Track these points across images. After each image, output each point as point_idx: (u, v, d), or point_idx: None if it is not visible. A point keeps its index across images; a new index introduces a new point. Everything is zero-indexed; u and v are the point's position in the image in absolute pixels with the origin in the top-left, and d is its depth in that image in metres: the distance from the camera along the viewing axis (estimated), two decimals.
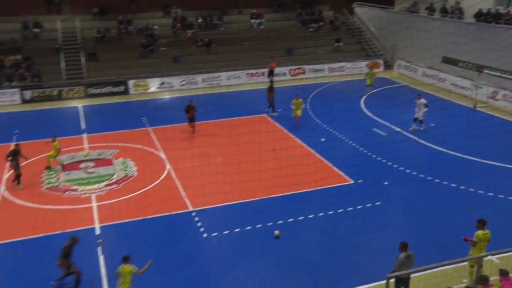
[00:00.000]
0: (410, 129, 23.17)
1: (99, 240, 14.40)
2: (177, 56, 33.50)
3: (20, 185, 17.76)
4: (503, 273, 10.81)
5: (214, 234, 14.79)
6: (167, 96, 30.40)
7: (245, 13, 39.02)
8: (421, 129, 23.15)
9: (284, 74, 34.06)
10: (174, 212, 16.03)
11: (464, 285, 11.79)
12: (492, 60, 27.33)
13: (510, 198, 16.90)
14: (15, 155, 17.80)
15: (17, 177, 17.81)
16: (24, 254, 13.73)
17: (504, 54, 26.42)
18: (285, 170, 17.66)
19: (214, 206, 16.40)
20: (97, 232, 14.92)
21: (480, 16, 30.34)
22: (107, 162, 19.97)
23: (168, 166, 19.56)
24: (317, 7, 41.00)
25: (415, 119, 23.29)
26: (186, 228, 15.24)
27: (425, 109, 23.04)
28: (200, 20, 36.82)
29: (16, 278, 12.81)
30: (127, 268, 11.02)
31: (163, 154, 20.77)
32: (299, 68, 34.40)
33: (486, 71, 27.56)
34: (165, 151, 20.93)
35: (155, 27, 35.04)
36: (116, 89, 30.62)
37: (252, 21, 38.08)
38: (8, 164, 18.34)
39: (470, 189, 17.59)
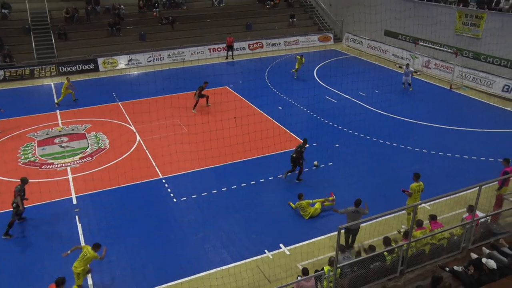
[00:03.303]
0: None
1: (76, 210, 14.03)
2: (143, 34, 32.27)
3: None
4: (433, 218, 11.39)
5: (183, 199, 14.67)
6: (135, 72, 29.41)
7: None
8: (410, 89, 24.63)
9: (244, 49, 33.48)
10: (145, 180, 15.74)
11: (403, 229, 12.22)
12: (425, 33, 27.72)
13: (440, 153, 17.52)
14: None
15: None
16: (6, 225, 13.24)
17: (435, 28, 26.83)
18: (246, 137, 17.55)
19: (182, 173, 16.22)
20: (74, 202, 14.52)
21: None
22: (81, 136, 19.29)
23: (138, 138, 19.10)
24: None
25: (404, 83, 24.89)
26: (157, 194, 15.03)
27: (410, 76, 24.74)
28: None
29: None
30: (92, 253, 10.50)
31: (133, 126, 20.23)
32: (257, 43, 33.84)
33: (421, 43, 27.94)
34: (135, 124, 20.38)
35: (122, 6, 33.49)
36: (86, 67, 29.33)
37: None
38: None
39: (408, 147, 18.10)
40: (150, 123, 19.96)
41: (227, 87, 25.47)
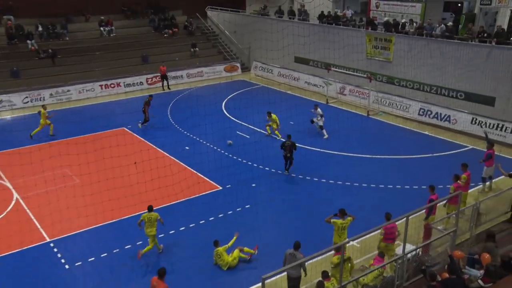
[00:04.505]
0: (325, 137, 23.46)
1: None
2: (15, 70, 30.53)
3: None
4: (379, 254, 11.71)
5: (78, 264, 13.71)
6: (7, 116, 27.50)
7: (92, 21, 37.13)
8: (325, 136, 23.46)
9: (141, 83, 33.12)
10: (28, 247, 14.48)
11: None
12: (337, 58, 29.73)
13: (364, 185, 18.48)
14: None
15: None
16: None
17: (346, 52, 28.96)
18: (150, 184, 17.08)
19: (75, 232, 15.24)
20: None
21: (323, 18, 32.79)
22: None
23: (16, 195, 17.66)
24: (170, 12, 40.69)
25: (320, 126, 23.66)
26: (44, 262, 13.88)
27: (322, 118, 23.59)
28: (40, 29, 34.05)
29: None
30: (155, 214, 13.91)
31: (8, 182, 18.71)
32: (156, 76, 33.70)
33: (334, 68, 29.84)
34: (11, 179, 18.88)
35: None
36: None
37: (102, 28, 36.38)
38: None
39: (330, 181, 18.84)
40: (32, 176, 18.59)
41: (124, 128, 24.82)
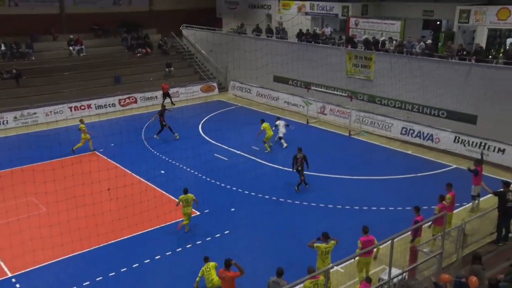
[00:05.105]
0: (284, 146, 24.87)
1: None
2: None
3: None
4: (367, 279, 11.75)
5: None
6: None
7: (60, 40, 36.97)
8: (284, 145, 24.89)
9: (113, 105, 32.94)
10: None
11: None
12: (317, 77, 30.18)
13: (347, 207, 18.64)
14: None
15: None
16: None
17: (326, 71, 29.42)
18: (124, 211, 16.89)
19: (41, 265, 14.88)
20: None
21: (301, 36, 33.35)
22: None
23: None
24: (143, 31, 40.80)
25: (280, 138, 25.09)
26: None
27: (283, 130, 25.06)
28: (3, 48, 33.69)
29: None
30: (191, 195, 16.79)
31: None
32: (129, 97, 33.58)
33: (314, 87, 30.24)
34: None
35: None
36: None
37: (71, 48, 36.22)
38: None
39: (312, 204, 18.92)
40: None
41: (96, 152, 24.58)
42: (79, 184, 17.77)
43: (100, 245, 15.87)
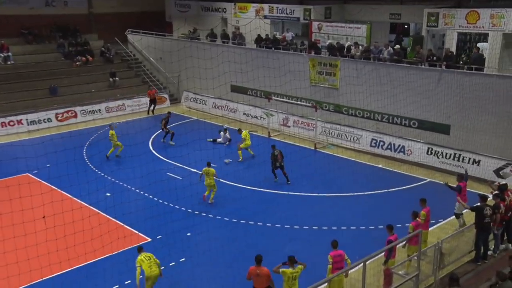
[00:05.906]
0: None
1: None
2: None
3: None
4: None
5: None
6: None
7: None
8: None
9: (49, 120, 32.12)
10: None
11: None
12: (278, 87, 30.42)
13: (314, 227, 18.71)
14: None
15: None
16: None
17: (288, 79, 29.68)
18: (63, 241, 16.31)
19: None
20: None
21: (260, 41, 33.65)
22: None
23: None
24: (83, 36, 40.18)
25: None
26: None
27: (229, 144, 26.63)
28: None
29: None
30: (212, 170, 20.23)
31: None
32: (68, 111, 32.87)
33: (275, 97, 30.44)
34: None
35: None
36: None
37: None
38: None
39: (276, 225, 18.91)
40: None
41: (28, 174, 23.80)
42: (9, 211, 17.08)
43: (33, 282, 15.28)
